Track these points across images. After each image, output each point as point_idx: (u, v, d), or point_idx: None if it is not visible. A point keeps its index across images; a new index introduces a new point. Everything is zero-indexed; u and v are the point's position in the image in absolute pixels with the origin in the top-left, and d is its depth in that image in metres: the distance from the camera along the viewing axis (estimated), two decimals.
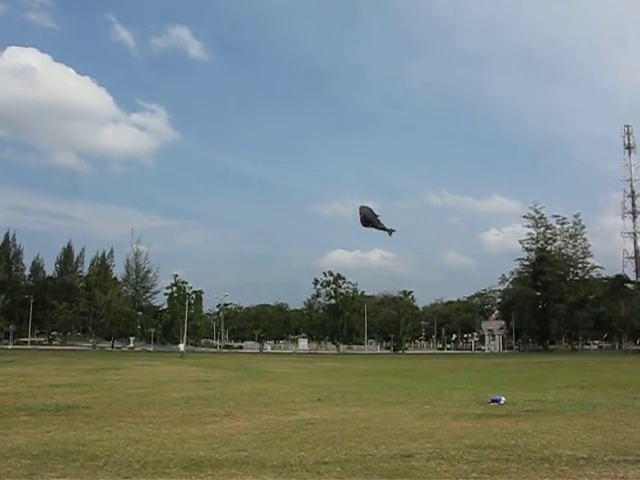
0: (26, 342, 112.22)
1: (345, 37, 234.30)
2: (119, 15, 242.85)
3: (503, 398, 17.87)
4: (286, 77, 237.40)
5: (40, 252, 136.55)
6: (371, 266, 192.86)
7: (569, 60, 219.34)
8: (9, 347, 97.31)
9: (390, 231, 10.67)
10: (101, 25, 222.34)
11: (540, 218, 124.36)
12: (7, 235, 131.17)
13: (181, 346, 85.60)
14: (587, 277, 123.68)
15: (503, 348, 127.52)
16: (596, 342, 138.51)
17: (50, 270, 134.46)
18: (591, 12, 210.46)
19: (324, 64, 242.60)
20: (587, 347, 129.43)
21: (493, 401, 17.69)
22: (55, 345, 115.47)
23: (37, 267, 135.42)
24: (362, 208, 10.65)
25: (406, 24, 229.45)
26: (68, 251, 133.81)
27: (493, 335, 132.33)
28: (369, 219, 10.70)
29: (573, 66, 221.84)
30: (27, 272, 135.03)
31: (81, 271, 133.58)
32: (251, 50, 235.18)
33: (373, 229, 10.52)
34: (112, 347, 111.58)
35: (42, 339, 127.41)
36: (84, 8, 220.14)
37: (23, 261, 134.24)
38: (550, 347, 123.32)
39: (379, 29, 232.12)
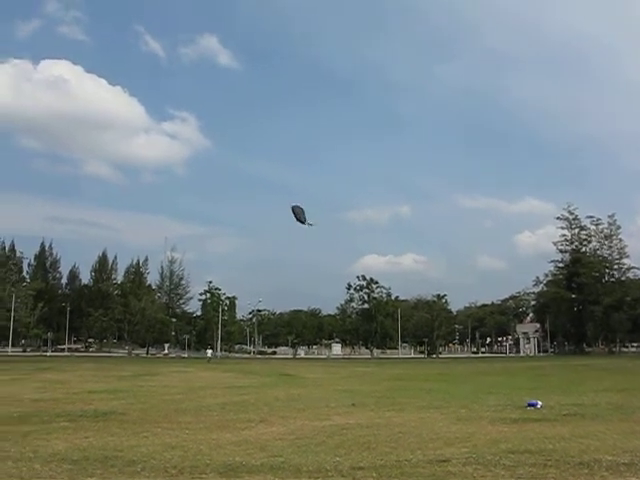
0: (64, 349, 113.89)
1: (369, 39, 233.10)
2: (148, 26, 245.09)
3: (540, 402, 17.66)
4: (312, 82, 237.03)
5: (76, 261, 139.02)
6: (404, 270, 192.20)
7: (600, 56, 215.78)
8: (47, 354, 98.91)
9: (309, 224, 13.78)
10: (131, 36, 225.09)
11: (574, 219, 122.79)
12: (43, 244, 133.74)
13: (209, 352, 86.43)
14: (623, 278, 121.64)
15: (538, 351, 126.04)
16: (634, 345, 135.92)
17: (86, 278, 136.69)
18: (620, 5, 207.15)
19: (349, 67, 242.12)
20: (625, 350, 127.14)
21: (529, 405, 17.50)
22: (92, 352, 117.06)
23: (73, 275, 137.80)
24: (294, 207, 13.67)
25: (432, 25, 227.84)
26: (103, 259, 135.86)
27: (528, 338, 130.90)
28: (298, 217, 13.13)
29: (604, 62, 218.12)
30: (64, 280, 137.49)
31: (115, 279, 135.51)
32: (277, 56, 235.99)
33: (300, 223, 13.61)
34: (147, 354, 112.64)
35: (79, 346, 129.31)
36: (115, 20, 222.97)
37: (60, 270, 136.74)
38: (586, 350, 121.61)
39: (404, 31, 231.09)
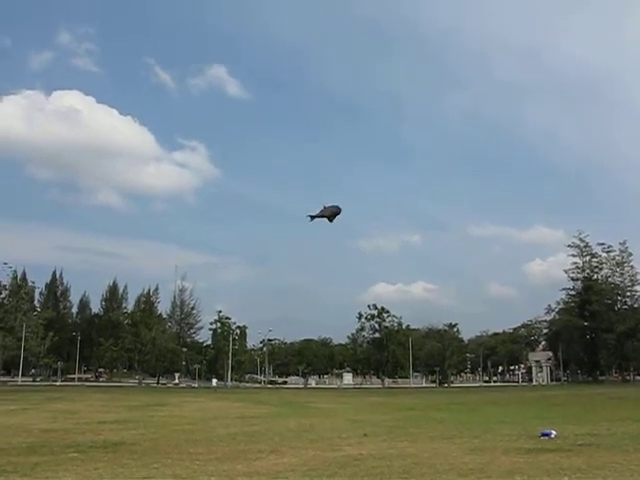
0: (74, 379, 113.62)
1: (378, 69, 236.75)
2: (158, 58, 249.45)
3: (554, 432, 17.45)
4: (322, 111, 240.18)
5: (86, 289, 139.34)
6: (414, 299, 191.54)
7: (610, 85, 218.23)
8: (57, 384, 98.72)
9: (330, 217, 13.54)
10: (142, 67, 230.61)
11: (585, 247, 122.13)
12: (54, 273, 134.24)
13: (214, 381, 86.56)
14: (636, 306, 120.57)
15: (551, 380, 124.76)
16: None
17: (96, 307, 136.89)
18: (630, 37, 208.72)
19: (359, 97, 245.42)
20: (639, 378, 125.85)
21: (543, 435, 17.28)
22: (102, 382, 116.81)
23: (84, 304, 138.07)
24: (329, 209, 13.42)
25: (440, 55, 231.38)
26: (113, 288, 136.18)
27: (540, 367, 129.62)
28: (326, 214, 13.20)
29: (615, 91, 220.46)
30: (74, 310, 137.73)
31: (126, 308, 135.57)
32: (285, 86, 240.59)
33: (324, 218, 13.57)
34: (157, 383, 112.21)
35: (89, 376, 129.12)
36: (126, 52, 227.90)
37: (70, 299, 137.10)
38: (600, 378, 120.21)
39: (413, 61, 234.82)
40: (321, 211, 13.27)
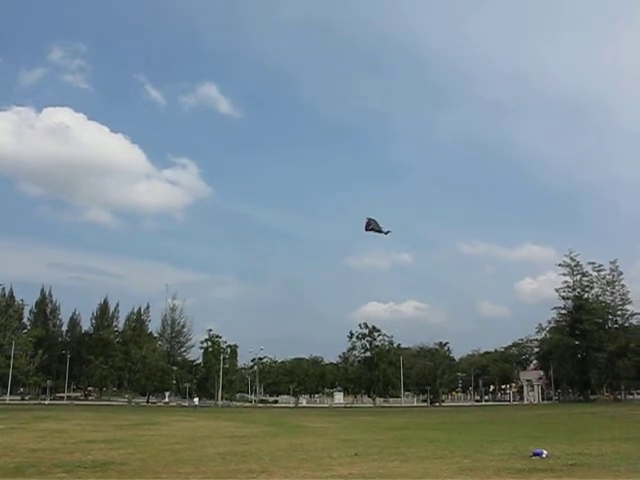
0: (63, 397, 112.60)
1: (368, 88, 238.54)
2: (150, 75, 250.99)
3: (545, 451, 17.42)
4: (312, 130, 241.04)
5: (76, 307, 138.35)
6: (405, 317, 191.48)
7: (596, 106, 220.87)
8: (46, 402, 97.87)
9: (387, 232, 16.23)
10: (133, 85, 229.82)
11: (576, 266, 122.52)
12: (43, 291, 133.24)
13: (195, 400, 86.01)
14: (627, 325, 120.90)
15: (542, 399, 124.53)
16: None
17: (86, 325, 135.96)
18: (614, 59, 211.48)
19: (349, 116, 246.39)
20: (630, 397, 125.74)
21: (535, 454, 17.24)
22: (91, 400, 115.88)
23: (74, 322, 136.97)
24: (369, 219, 15.87)
25: (429, 76, 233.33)
26: (104, 306, 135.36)
27: (532, 386, 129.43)
28: (372, 226, 15.33)
29: (600, 112, 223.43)
30: (64, 328, 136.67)
31: (116, 326, 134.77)
32: (276, 104, 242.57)
33: (373, 232, 16.06)
34: (147, 402, 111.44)
35: (78, 394, 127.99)
36: (117, 69, 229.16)
37: (60, 317, 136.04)
38: (591, 397, 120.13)
39: (402, 81, 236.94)
40: (373, 225, 15.29)
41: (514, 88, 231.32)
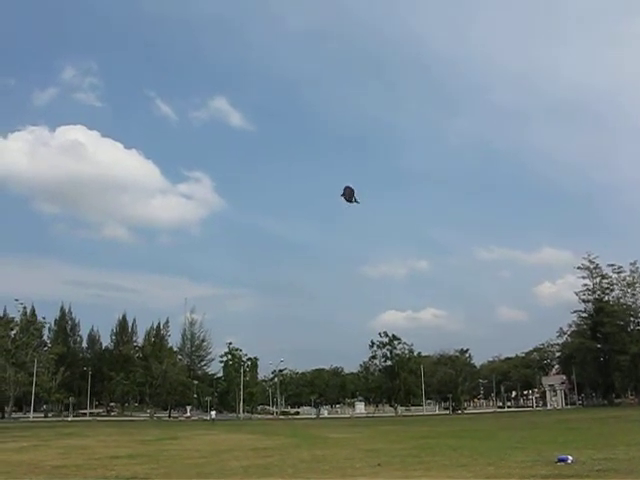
0: (85, 414, 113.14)
1: (380, 97, 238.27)
2: (160, 91, 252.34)
3: (570, 457, 17.24)
4: (324, 140, 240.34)
5: (95, 324, 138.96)
6: (423, 325, 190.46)
7: (609, 107, 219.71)
8: (69, 419, 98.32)
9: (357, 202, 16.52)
10: (145, 100, 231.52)
11: (595, 268, 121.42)
12: (63, 308, 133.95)
13: (212, 413, 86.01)
14: None
15: (566, 404, 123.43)
16: None
17: (106, 341, 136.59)
18: (626, 59, 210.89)
19: (361, 125, 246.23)
20: None
21: (560, 460, 17.07)
22: (113, 416, 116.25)
23: (93, 339, 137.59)
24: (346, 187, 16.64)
25: (438, 82, 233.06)
26: (123, 322, 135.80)
27: (554, 391, 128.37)
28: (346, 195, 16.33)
29: (614, 112, 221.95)
30: (84, 344, 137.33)
31: (136, 341, 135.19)
32: (287, 115, 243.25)
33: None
34: (169, 417, 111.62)
35: (100, 410, 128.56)
36: (128, 86, 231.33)
37: (80, 333, 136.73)
38: (616, 401, 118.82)
39: (411, 88, 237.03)
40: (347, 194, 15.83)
41: (525, 91, 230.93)
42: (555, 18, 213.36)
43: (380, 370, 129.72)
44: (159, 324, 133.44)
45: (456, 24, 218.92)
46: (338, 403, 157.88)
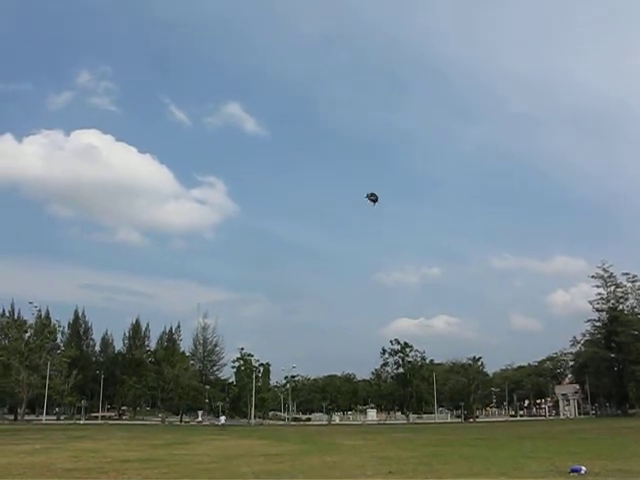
0: (97, 417, 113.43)
1: (394, 104, 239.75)
2: (175, 96, 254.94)
3: (584, 468, 17.12)
4: (337, 146, 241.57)
5: (108, 327, 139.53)
6: (436, 333, 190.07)
7: (626, 114, 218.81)
8: (81, 422, 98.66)
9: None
10: (160, 105, 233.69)
11: (609, 277, 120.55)
12: (76, 312, 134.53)
13: (222, 418, 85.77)
14: None
15: (579, 413, 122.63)
16: None
17: (118, 345, 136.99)
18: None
19: (374, 132, 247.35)
20: None
21: (573, 471, 16.96)
22: (125, 420, 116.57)
23: (106, 343, 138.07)
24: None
25: (453, 89, 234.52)
26: (136, 326, 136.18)
27: (568, 400, 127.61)
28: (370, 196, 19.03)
29: (631, 121, 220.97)
30: (97, 348, 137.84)
31: (148, 345, 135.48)
32: (300, 122, 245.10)
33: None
34: (181, 421, 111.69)
35: (112, 414, 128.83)
36: (142, 91, 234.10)
37: (93, 337, 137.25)
38: (630, 411, 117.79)
39: (426, 95, 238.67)
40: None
41: (540, 98, 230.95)
42: (571, 26, 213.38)
43: (392, 377, 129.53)
44: (171, 328, 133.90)
45: (471, 32, 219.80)
46: (350, 410, 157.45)
